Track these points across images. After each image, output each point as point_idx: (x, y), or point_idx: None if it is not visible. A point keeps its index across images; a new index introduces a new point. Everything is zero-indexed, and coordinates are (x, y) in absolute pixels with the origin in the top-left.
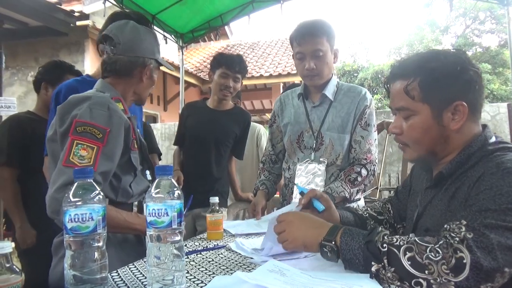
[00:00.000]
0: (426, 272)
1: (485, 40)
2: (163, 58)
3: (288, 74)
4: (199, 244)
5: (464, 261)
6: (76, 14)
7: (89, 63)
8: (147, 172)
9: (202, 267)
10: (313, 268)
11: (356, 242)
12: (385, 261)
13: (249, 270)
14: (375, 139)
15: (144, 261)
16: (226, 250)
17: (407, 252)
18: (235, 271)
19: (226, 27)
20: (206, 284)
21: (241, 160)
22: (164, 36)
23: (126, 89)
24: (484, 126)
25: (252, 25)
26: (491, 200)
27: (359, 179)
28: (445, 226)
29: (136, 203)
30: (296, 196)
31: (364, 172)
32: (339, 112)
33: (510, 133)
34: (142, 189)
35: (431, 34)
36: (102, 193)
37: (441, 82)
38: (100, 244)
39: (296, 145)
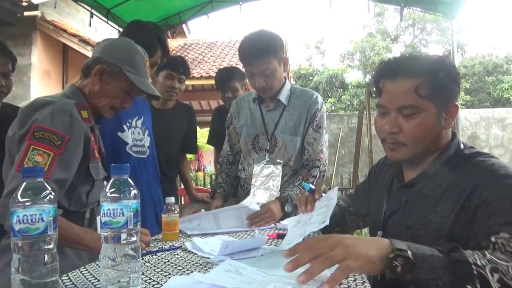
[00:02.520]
0: None
1: (431, 50)
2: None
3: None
4: (154, 245)
5: None
6: (24, 3)
7: (37, 57)
8: (105, 183)
9: (158, 268)
10: (270, 266)
11: (437, 260)
12: (478, 286)
13: (206, 270)
14: (326, 141)
15: (96, 264)
16: (182, 251)
17: (494, 274)
18: (191, 271)
19: (183, 25)
20: (162, 285)
21: (195, 153)
22: (119, 31)
23: (88, 92)
24: (454, 133)
25: (210, 24)
26: None
27: (315, 182)
28: (492, 239)
29: (88, 211)
30: (254, 193)
31: (318, 174)
32: (292, 115)
33: None
34: (98, 198)
35: (382, 42)
36: (53, 193)
37: (446, 83)
38: (51, 246)
39: (251, 147)
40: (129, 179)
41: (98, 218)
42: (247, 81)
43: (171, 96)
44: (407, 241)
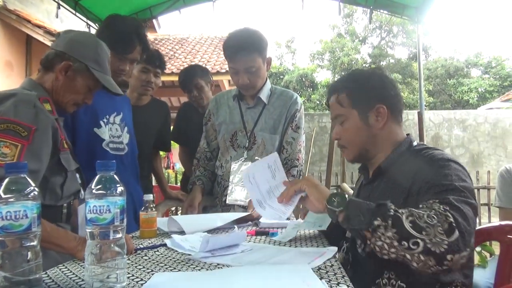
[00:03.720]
0: (424, 233)
1: (397, 52)
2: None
3: (217, 73)
4: (133, 243)
5: (454, 225)
6: None
7: None
8: (77, 175)
9: (140, 265)
10: (250, 262)
11: (366, 205)
12: (389, 222)
13: (188, 266)
14: (303, 141)
15: (74, 261)
16: (162, 248)
17: (409, 217)
18: (174, 268)
19: (153, 20)
20: (146, 282)
21: (169, 151)
22: (88, 24)
23: (50, 87)
24: (408, 134)
25: (181, 20)
26: (443, 183)
27: None
28: (420, 206)
29: (65, 205)
30: (232, 190)
31: (296, 174)
32: (271, 114)
33: (419, 137)
34: (73, 191)
35: (351, 43)
36: (37, 190)
37: (362, 90)
38: (35, 243)
39: (229, 144)
40: (115, 176)
41: (80, 207)
42: (213, 77)
43: (146, 90)
44: None
